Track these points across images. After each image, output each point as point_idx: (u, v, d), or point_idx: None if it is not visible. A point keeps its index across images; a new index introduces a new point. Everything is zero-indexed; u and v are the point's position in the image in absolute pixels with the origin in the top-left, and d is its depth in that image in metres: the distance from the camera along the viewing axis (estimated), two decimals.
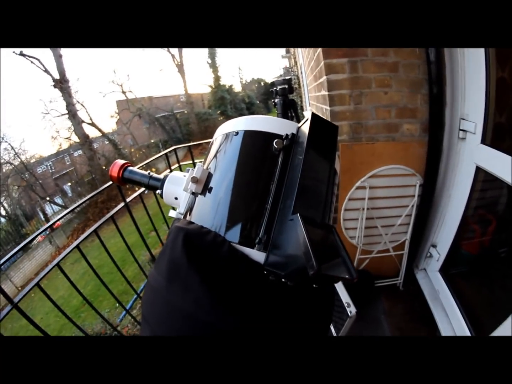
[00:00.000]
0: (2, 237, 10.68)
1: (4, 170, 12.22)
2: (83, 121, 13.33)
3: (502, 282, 1.35)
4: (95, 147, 13.97)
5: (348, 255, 0.23)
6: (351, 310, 1.32)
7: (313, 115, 0.28)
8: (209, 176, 0.31)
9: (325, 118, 0.30)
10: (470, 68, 1.19)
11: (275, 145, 0.28)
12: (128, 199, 1.65)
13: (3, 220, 11.55)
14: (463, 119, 1.28)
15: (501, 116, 1.17)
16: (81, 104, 13.71)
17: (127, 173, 0.43)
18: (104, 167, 13.09)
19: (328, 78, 1.33)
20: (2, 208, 11.71)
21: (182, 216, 0.33)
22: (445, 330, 1.36)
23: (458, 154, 1.35)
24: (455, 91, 1.29)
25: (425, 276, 1.69)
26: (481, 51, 1.09)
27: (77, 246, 1.31)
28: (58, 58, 11.78)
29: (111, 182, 1.56)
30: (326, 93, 1.36)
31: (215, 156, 0.33)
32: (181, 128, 19.23)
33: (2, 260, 1.09)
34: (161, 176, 0.42)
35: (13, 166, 12.54)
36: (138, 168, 0.44)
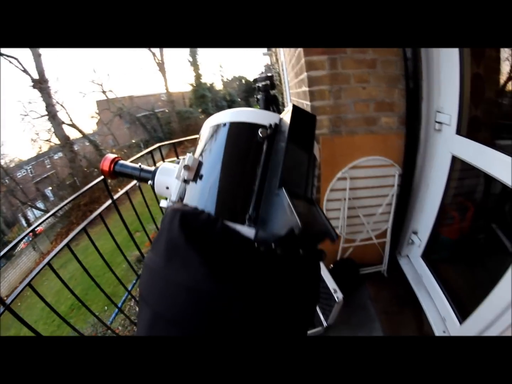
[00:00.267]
0: None
1: None
2: (63, 122, 12.89)
3: (481, 265, 1.43)
4: (76, 148, 13.55)
5: (329, 221, 0.25)
6: (338, 295, 1.36)
7: (294, 106, 0.31)
8: (200, 164, 0.33)
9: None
10: (445, 64, 1.24)
11: (260, 134, 0.30)
12: (115, 196, 1.63)
13: None
14: (439, 111, 1.34)
15: (477, 109, 1.23)
16: (61, 105, 13.28)
17: (118, 166, 0.44)
18: (85, 169, 12.72)
19: (309, 74, 1.35)
20: None
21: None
22: (429, 311, 1.44)
23: (435, 144, 1.41)
24: (431, 85, 1.34)
25: (408, 262, 1.76)
26: (455, 49, 1.14)
27: (67, 245, 1.30)
28: (37, 57, 11.27)
29: (92, 184, 1.56)
30: (307, 89, 1.38)
31: (205, 146, 0.35)
32: (163, 127, 18.96)
33: None
34: (151, 168, 0.43)
35: None
36: None
